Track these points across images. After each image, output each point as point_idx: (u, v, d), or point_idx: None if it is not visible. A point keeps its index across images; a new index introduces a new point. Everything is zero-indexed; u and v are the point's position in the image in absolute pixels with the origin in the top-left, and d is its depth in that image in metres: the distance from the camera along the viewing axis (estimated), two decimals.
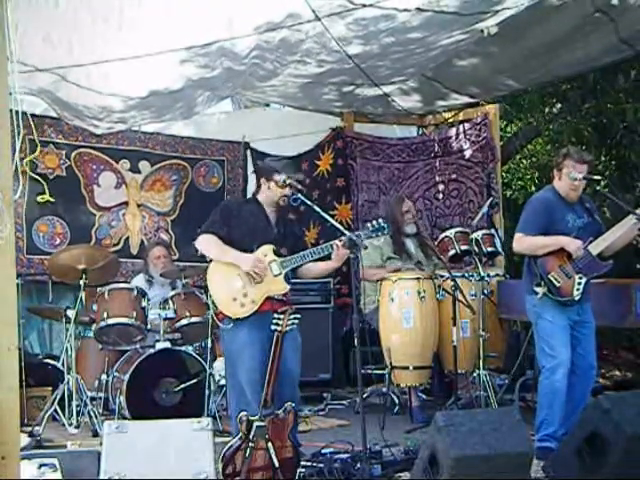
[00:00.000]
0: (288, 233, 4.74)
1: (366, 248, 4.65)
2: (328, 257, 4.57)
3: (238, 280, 4.50)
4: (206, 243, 4.62)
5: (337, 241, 4.47)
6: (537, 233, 4.87)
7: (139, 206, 7.65)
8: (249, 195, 5.59)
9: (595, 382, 6.56)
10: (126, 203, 7.61)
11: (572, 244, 4.80)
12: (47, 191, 7.14)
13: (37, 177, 7.06)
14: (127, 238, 7.59)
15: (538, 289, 4.84)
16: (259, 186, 4.74)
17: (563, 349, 4.79)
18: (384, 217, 6.65)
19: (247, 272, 4.47)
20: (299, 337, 4.57)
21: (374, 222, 4.49)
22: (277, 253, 4.58)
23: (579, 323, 4.88)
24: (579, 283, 4.79)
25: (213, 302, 4.76)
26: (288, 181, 4.61)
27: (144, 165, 7.69)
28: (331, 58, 6.37)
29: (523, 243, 4.91)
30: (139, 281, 6.71)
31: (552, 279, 4.81)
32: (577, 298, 4.80)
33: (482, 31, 5.96)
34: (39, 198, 7.13)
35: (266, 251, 4.55)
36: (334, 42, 6.01)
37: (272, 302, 4.49)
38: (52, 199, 7.20)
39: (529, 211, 5.01)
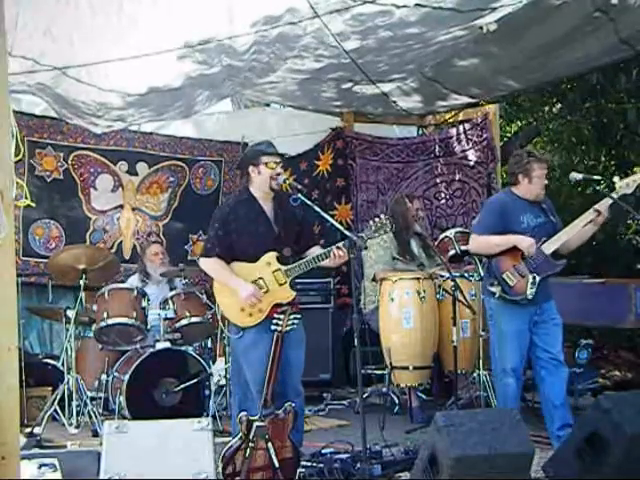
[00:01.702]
0: (289, 220, 4.65)
1: (366, 248, 4.63)
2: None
3: None
4: (208, 267, 4.61)
5: (336, 248, 4.43)
6: (490, 233, 5.00)
7: (133, 210, 7.63)
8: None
9: (595, 382, 6.59)
10: (121, 206, 7.58)
11: (523, 242, 4.90)
12: (28, 196, 7.07)
13: (19, 180, 6.99)
14: (120, 242, 7.56)
15: (493, 289, 4.97)
16: (248, 177, 4.66)
17: (511, 357, 4.94)
18: (392, 215, 6.67)
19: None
20: (303, 334, 4.58)
21: (376, 220, 4.43)
22: (281, 259, 4.54)
23: (539, 323, 4.97)
24: (533, 282, 4.88)
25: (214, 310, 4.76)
26: (288, 181, 4.60)
27: (142, 167, 7.66)
28: (329, 53, 6.37)
29: (476, 243, 5.12)
30: (133, 281, 6.69)
31: (506, 278, 4.92)
32: (530, 297, 4.88)
33: (481, 28, 5.97)
34: (18, 203, 7.07)
35: (269, 259, 4.52)
36: (332, 37, 6.02)
37: (280, 307, 4.44)
38: (33, 204, 7.14)
39: (483, 212, 5.22)
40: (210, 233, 4.66)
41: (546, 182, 5.06)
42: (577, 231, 4.92)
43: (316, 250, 4.60)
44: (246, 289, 4.45)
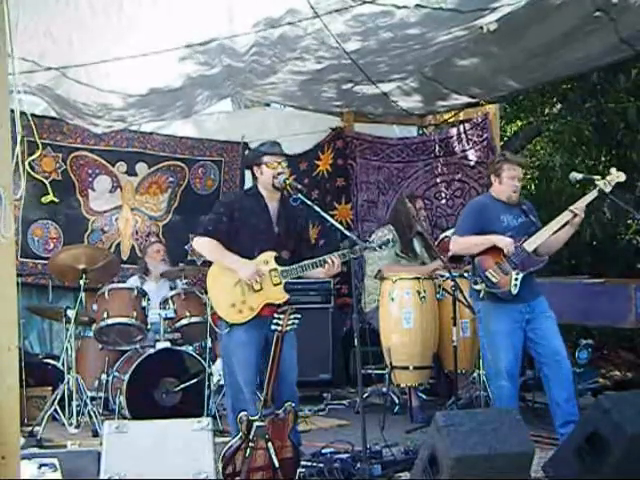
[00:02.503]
0: (291, 226, 4.66)
1: (366, 249, 4.65)
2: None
3: (237, 287, 4.46)
4: (205, 245, 4.56)
5: (333, 256, 4.42)
6: (470, 234, 5.09)
7: (132, 210, 7.61)
8: None
9: (595, 382, 6.59)
10: (120, 207, 7.57)
11: (502, 241, 4.97)
12: (50, 192, 7.07)
13: (40, 178, 6.99)
14: (118, 243, 7.55)
15: (477, 287, 5.04)
16: (254, 177, 4.70)
17: (504, 358, 4.95)
18: (393, 215, 6.68)
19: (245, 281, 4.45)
20: (294, 336, 4.55)
21: (380, 234, 4.45)
22: (278, 260, 4.53)
23: (531, 321, 4.99)
24: (516, 279, 4.94)
25: (211, 306, 4.75)
26: (288, 181, 4.59)
27: (141, 167, 7.65)
28: (330, 54, 6.38)
29: (458, 244, 5.20)
30: (133, 282, 6.68)
31: (489, 275, 4.99)
32: (514, 291, 4.93)
33: (481, 28, 5.98)
34: (42, 199, 7.09)
35: (267, 258, 4.51)
36: (332, 38, 6.02)
37: (271, 308, 4.44)
38: (56, 199, 7.16)
39: (464, 215, 5.32)
40: (212, 216, 4.60)
41: (518, 185, 5.11)
42: (558, 229, 4.98)
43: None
44: (247, 268, 4.42)
